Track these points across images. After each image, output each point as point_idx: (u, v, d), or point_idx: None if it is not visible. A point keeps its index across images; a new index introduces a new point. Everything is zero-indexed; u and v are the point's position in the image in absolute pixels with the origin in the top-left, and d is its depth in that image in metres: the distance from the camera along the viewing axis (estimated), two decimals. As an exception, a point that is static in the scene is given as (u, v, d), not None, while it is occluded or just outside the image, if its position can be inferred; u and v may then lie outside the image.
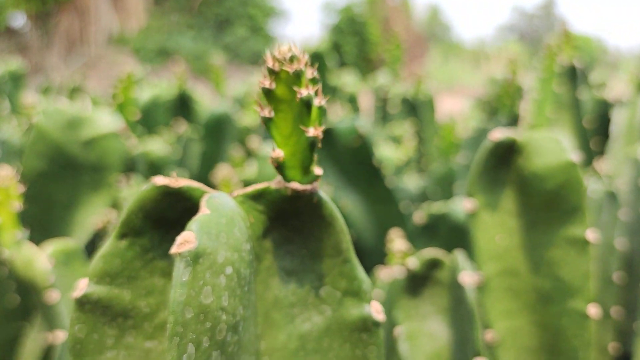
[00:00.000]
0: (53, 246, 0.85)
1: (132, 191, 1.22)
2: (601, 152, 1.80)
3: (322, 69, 2.23)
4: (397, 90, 2.28)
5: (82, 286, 0.37)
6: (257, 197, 0.39)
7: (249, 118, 2.04)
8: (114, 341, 0.38)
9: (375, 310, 0.40)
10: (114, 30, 10.31)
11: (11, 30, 10.77)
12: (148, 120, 2.26)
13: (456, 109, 3.51)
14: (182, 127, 2.12)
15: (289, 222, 0.40)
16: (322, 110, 0.38)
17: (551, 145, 0.65)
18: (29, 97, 1.10)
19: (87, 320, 0.38)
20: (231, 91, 2.60)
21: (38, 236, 1.09)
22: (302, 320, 0.40)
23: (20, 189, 0.86)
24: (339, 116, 2.17)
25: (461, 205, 1.21)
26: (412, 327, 0.75)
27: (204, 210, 0.33)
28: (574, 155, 0.64)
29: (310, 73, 0.37)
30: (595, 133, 1.83)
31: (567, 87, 1.79)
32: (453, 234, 1.21)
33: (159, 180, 0.37)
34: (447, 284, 0.76)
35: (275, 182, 0.39)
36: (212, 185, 1.60)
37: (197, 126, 2.19)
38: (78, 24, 10.20)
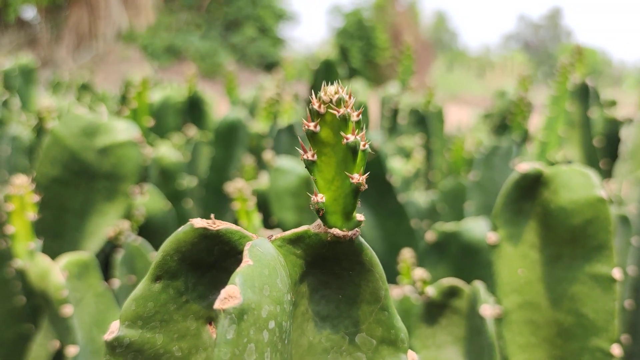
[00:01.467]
0: (67, 258, 0.84)
1: (143, 200, 1.22)
2: (610, 172, 1.79)
3: (332, 78, 2.22)
4: (407, 101, 2.27)
5: (114, 329, 0.37)
6: (295, 241, 0.38)
7: (260, 124, 2.03)
8: (145, 385, 0.37)
9: (411, 360, 0.39)
10: (122, 26, 10.31)
11: (21, 23, 10.77)
12: (158, 122, 2.26)
13: (461, 119, 3.50)
14: (192, 131, 2.12)
15: (327, 266, 0.39)
16: (365, 155, 0.37)
17: (580, 180, 0.64)
18: (45, 100, 1.09)
19: (117, 363, 0.37)
20: (241, 95, 2.60)
21: (50, 243, 1.08)
22: (336, 366, 0.39)
23: (35, 198, 0.85)
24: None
25: (472, 225, 1.20)
26: (429, 356, 0.74)
27: (247, 261, 0.32)
28: (603, 192, 0.63)
29: (355, 116, 0.36)
30: (605, 153, 1.83)
31: (579, 106, 1.78)
32: (463, 254, 1.20)
33: (197, 222, 0.36)
34: (465, 314, 0.75)
35: (314, 227, 0.38)
36: (225, 196, 1.60)
37: (207, 130, 2.18)
38: (87, 19, 10.21)
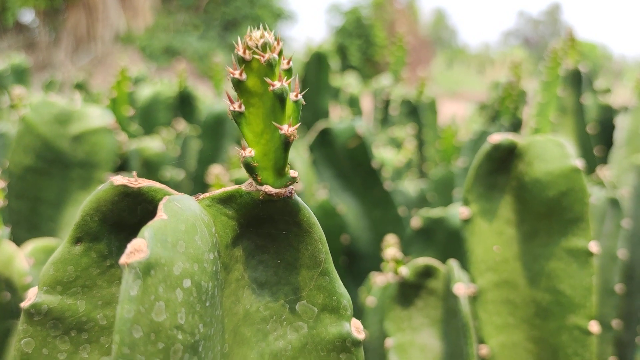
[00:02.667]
0: (33, 245, 0.82)
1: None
2: (605, 159, 1.77)
3: (323, 69, 2.20)
4: (399, 92, 2.24)
5: (31, 295, 0.34)
6: (226, 200, 0.35)
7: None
8: (66, 357, 0.35)
9: (356, 329, 0.36)
10: (121, 28, 10.30)
11: (20, 26, 10.77)
12: (148, 117, 2.24)
13: (459, 113, 3.47)
14: (181, 125, 2.09)
15: (262, 229, 0.36)
16: (298, 106, 0.34)
17: (555, 150, 0.62)
18: (17, 89, 1.07)
19: (35, 333, 0.34)
20: (232, 90, 2.56)
21: (25, 234, 1.06)
22: (275, 337, 0.36)
23: (1, 184, 0.83)
24: (340, 117, 2.14)
25: (458, 210, 1.17)
26: (404, 339, 0.71)
27: (160, 215, 0.29)
28: (579, 162, 0.60)
29: (285, 64, 0.33)
30: (599, 139, 1.80)
31: (572, 92, 1.76)
32: (450, 239, 1.17)
33: (117, 179, 0.34)
34: (441, 295, 0.72)
35: (246, 185, 0.35)
36: (205, 185, 1.57)
37: (197, 125, 2.16)
38: (86, 21, 10.20)
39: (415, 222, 1.20)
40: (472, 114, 2.89)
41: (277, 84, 0.32)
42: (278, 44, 0.33)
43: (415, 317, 0.72)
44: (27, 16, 10.84)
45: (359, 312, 1.29)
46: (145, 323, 0.27)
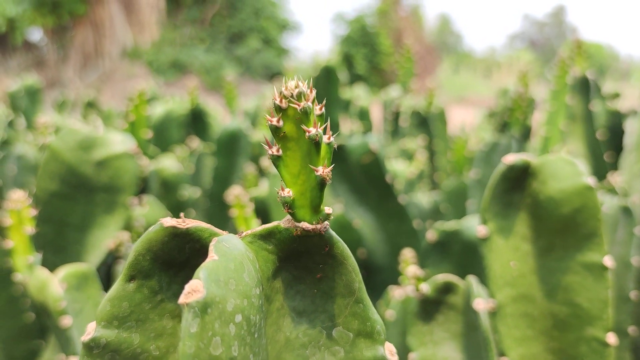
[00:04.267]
0: (65, 270, 0.85)
1: (143, 211, 1.22)
2: (615, 164, 1.78)
3: (333, 83, 2.23)
4: (408, 103, 2.27)
5: (90, 330, 0.37)
6: (266, 236, 0.38)
7: (261, 134, 2.04)
8: (124, 386, 0.37)
9: (390, 352, 0.39)
10: (127, 44, 10.40)
11: (29, 45, 10.90)
12: (161, 136, 2.27)
13: (467, 119, 3.49)
14: (195, 143, 2.13)
15: (300, 262, 0.39)
16: (330, 147, 0.37)
17: (567, 169, 0.64)
18: (43, 116, 1.10)
19: (95, 364, 0.37)
20: (243, 105, 2.61)
21: (52, 257, 1.09)
22: (314, 361, 0.39)
23: (33, 212, 0.86)
24: (351, 130, 2.17)
25: (473, 223, 1.20)
26: (426, 353, 0.73)
27: (212, 256, 0.32)
28: (591, 180, 0.63)
29: (318, 109, 0.36)
30: (609, 145, 1.82)
31: (580, 99, 1.78)
32: (465, 251, 1.20)
33: (167, 221, 0.36)
34: (461, 309, 0.74)
35: (284, 222, 0.38)
36: (222, 203, 1.60)
37: (211, 142, 2.19)
38: (93, 38, 10.31)
39: (431, 235, 1.22)
40: (480, 121, 2.91)
41: (313, 130, 0.35)
42: (311, 92, 0.36)
43: (436, 331, 0.74)
44: (36, 35, 10.97)
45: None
46: (204, 357, 0.30)
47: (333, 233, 0.38)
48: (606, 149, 1.78)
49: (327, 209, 0.37)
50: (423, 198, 1.62)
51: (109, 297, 0.37)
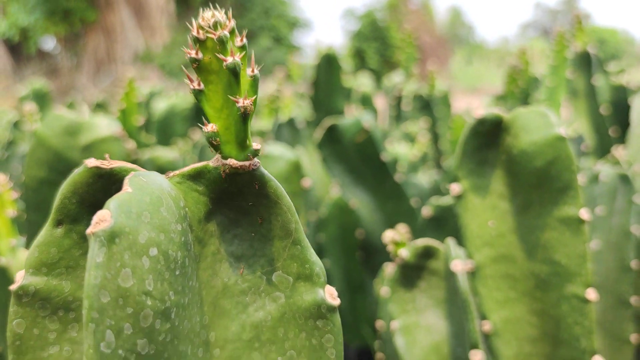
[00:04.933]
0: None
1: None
2: (621, 139, 1.75)
3: (334, 71, 2.21)
4: (411, 88, 2.25)
5: (18, 278, 0.36)
6: (195, 177, 0.37)
7: (262, 122, 2.03)
8: (56, 336, 0.37)
9: (330, 295, 0.38)
10: (139, 48, 10.46)
11: (42, 54, 11.02)
12: (165, 130, 2.28)
13: (476, 105, 3.45)
14: (198, 135, 2.12)
15: (234, 203, 0.38)
16: (255, 81, 0.36)
17: (538, 120, 0.62)
18: (28, 105, 1.10)
19: (25, 314, 0.36)
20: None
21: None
22: (255, 308, 0.38)
23: (14, 195, 0.86)
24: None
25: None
26: (409, 320, 0.72)
27: (126, 188, 0.31)
28: (562, 130, 0.61)
29: (239, 41, 0.35)
30: (614, 120, 1.78)
31: (582, 74, 1.74)
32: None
33: (90, 162, 0.35)
34: (443, 275, 0.73)
35: (213, 161, 0.37)
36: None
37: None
38: (105, 44, 10.40)
39: (426, 211, 1.20)
40: (487, 105, 2.88)
41: (230, 59, 0.34)
42: (230, 21, 0.35)
43: (419, 298, 0.73)
44: (49, 43, 11.09)
45: (375, 306, 1.30)
46: (113, 288, 0.29)
47: (265, 171, 0.37)
48: (611, 124, 1.75)
49: (255, 144, 0.36)
50: (423, 178, 1.60)
51: (37, 243, 0.36)
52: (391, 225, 1.36)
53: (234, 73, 0.34)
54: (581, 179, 0.63)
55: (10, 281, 0.90)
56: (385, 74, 10.54)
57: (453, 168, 0.66)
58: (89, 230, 0.29)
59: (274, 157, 1.19)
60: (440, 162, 2.16)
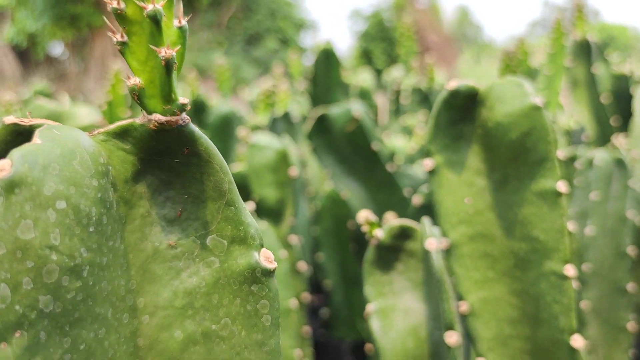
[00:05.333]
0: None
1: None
2: (623, 128, 1.72)
3: (333, 66, 2.19)
4: (409, 81, 2.23)
5: None
6: (121, 134, 0.35)
7: (259, 117, 2.02)
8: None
9: (266, 259, 0.36)
10: (146, 52, 10.48)
11: (50, 59, 11.09)
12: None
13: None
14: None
15: (164, 162, 0.36)
16: (182, 32, 0.34)
17: (513, 90, 0.60)
18: (7, 95, 1.09)
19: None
20: (247, 96, 2.59)
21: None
22: (188, 274, 0.36)
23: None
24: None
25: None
26: (385, 304, 0.69)
27: (35, 140, 0.29)
28: (538, 99, 0.58)
29: (164, -11, 0.33)
30: (616, 109, 1.75)
31: (582, 63, 1.71)
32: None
33: (8, 118, 0.34)
34: (421, 256, 0.70)
35: (140, 118, 0.35)
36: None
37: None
38: (112, 48, 10.43)
39: (417, 199, 1.18)
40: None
41: (150, 7, 0.32)
42: (153, -31, 0.33)
43: (396, 281, 0.70)
44: (57, 49, 11.16)
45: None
46: (9, 240, 0.27)
47: (195, 128, 0.35)
48: (612, 113, 1.72)
49: (182, 99, 0.34)
50: (418, 169, 1.57)
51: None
52: (383, 215, 1.34)
53: (155, 21, 0.32)
54: (560, 153, 0.61)
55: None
56: (392, 73, 10.51)
57: (425, 142, 0.63)
58: (-14, 180, 0.27)
59: (260, 146, 1.17)
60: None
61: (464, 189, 0.64)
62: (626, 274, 1.07)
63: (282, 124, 1.75)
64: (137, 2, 0.32)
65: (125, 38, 0.33)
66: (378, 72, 10.04)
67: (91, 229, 0.30)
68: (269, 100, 1.95)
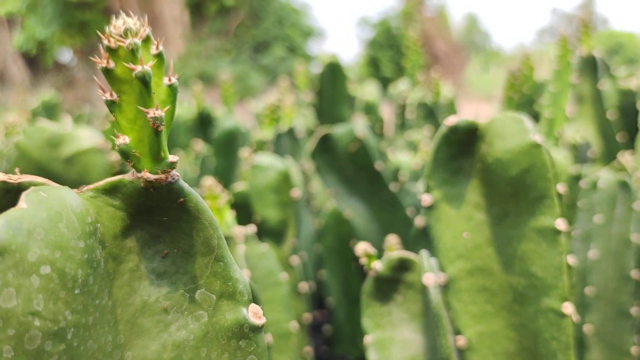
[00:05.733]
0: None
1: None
2: (629, 144, 1.71)
3: (339, 80, 2.19)
4: (415, 96, 2.22)
5: None
6: (111, 191, 0.35)
7: (263, 132, 2.02)
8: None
9: (254, 314, 0.35)
10: (154, 59, 10.52)
11: (59, 66, 11.16)
12: (169, 141, 2.27)
13: (488, 113, 3.41)
14: (199, 145, 2.11)
15: (154, 218, 0.36)
16: (172, 90, 0.34)
17: (513, 127, 0.59)
18: (10, 117, 1.10)
19: None
20: (253, 108, 2.59)
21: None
22: (177, 327, 0.36)
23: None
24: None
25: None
26: (383, 335, 0.69)
27: (20, 204, 0.29)
28: (538, 137, 0.58)
29: (154, 48, 0.33)
30: (622, 126, 1.74)
31: (588, 79, 1.71)
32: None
33: (-3, 176, 0.34)
34: (419, 288, 0.70)
35: (129, 175, 0.35)
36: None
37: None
38: (120, 55, 10.48)
39: (419, 220, 1.17)
40: (496, 111, 2.84)
41: (139, 68, 0.32)
42: (144, 28, 0.33)
43: (395, 312, 0.70)
44: (66, 55, 11.23)
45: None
46: (-10, 310, 0.27)
47: (184, 184, 0.35)
48: (618, 130, 1.71)
49: (171, 157, 0.34)
50: (420, 186, 1.57)
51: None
52: (387, 235, 1.33)
53: (144, 82, 0.32)
54: (560, 188, 0.60)
55: None
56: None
57: (424, 177, 0.63)
58: (-31, 248, 0.27)
59: (263, 167, 1.17)
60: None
61: (463, 223, 0.64)
62: (630, 298, 1.06)
63: (286, 140, 1.75)
64: (126, 64, 0.32)
65: (115, 97, 0.33)
66: (385, 80, 10.04)
67: (77, 291, 0.30)
68: (274, 115, 1.95)
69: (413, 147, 1.99)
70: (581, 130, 1.71)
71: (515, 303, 0.63)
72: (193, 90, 2.24)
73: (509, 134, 0.60)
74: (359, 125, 1.29)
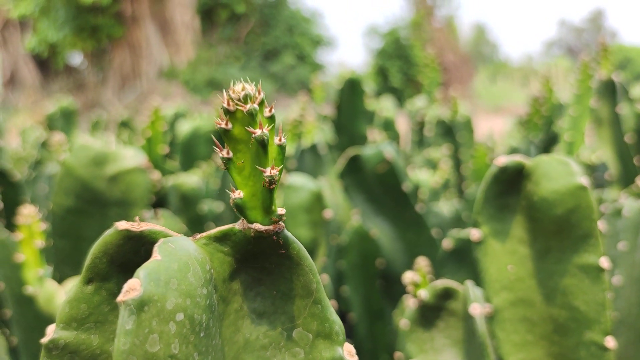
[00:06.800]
0: (73, 282, 0.87)
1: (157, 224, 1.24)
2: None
3: (358, 95, 2.23)
4: (433, 113, 2.26)
5: (49, 332, 0.38)
6: (221, 238, 0.38)
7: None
8: (84, 387, 0.38)
9: (348, 353, 0.39)
10: (164, 64, 10.61)
11: (70, 69, 11.23)
12: (189, 152, 2.30)
13: (499, 128, 3.45)
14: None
15: (257, 263, 0.39)
16: (282, 149, 0.37)
17: (560, 169, 0.63)
18: (57, 135, 1.13)
19: (55, 366, 0.38)
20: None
21: (70, 271, 1.11)
22: (275, 362, 0.39)
23: (43, 226, 0.88)
24: (374, 141, 2.16)
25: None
26: (427, 359, 0.72)
27: (155, 256, 0.33)
28: (584, 179, 0.61)
29: (267, 111, 0.37)
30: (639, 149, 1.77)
31: (606, 103, 1.74)
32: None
33: (121, 224, 0.37)
34: (461, 315, 0.73)
35: (239, 224, 0.38)
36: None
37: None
38: (130, 60, 10.56)
39: (447, 243, 1.21)
40: (510, 129, 2.88)
41: (258, 132, 0.35)
42: (259, 94, 0.37)
43: (437, 338, 0.73)
44: (76, 59, 11.31)
45: (394, 335, 1.31)
46: (140, 354, 0.30)
47: (289, 234, 0.38)
48: (636, 153, 1.74)
49: (280, 210, 0.38)
50: (444, 207, 1.60)
51: (68, 299, 0.38)
52: (412, 255, 1.37)
53: (262, 144, 0.36)
54: (601, 225, 0.63)
55: (37, 310, 0.93)
56: (408, 92, 10.54)
57: (473, 214, 0.66)
58: (119, 299, 0.30)
59: (296, 187, 1.21)
60: (462, 189, 2.16)
61: (507, 256, 0.67)
62: (651, 324, 1.09)
63: (309, 156, 1.79)
64: (246, 128, 0.35)
65: (231, 154, 0.37)
66: (394, 91, 10.05)
67: (202, 334, 0.34)
68: (296, 131, 1.98)
69: (432, 165, 2.02)
70: (599, 152, 1.74)
71: (555, 333, 0.66)
72: (214, 103, 2.27)
73: (555, 175, 0.63)
74: (388, 147, 1.33)
